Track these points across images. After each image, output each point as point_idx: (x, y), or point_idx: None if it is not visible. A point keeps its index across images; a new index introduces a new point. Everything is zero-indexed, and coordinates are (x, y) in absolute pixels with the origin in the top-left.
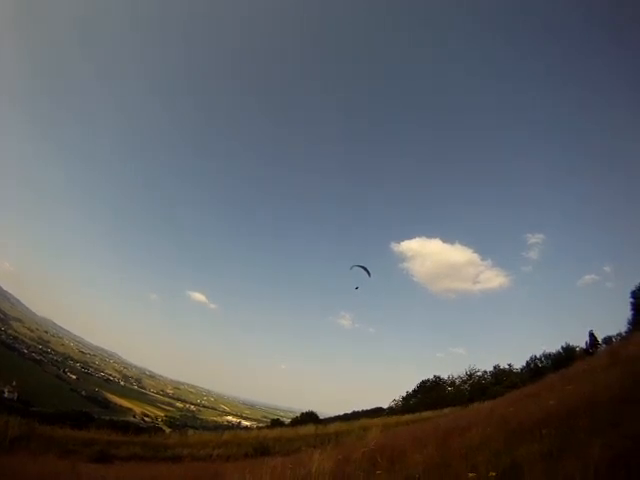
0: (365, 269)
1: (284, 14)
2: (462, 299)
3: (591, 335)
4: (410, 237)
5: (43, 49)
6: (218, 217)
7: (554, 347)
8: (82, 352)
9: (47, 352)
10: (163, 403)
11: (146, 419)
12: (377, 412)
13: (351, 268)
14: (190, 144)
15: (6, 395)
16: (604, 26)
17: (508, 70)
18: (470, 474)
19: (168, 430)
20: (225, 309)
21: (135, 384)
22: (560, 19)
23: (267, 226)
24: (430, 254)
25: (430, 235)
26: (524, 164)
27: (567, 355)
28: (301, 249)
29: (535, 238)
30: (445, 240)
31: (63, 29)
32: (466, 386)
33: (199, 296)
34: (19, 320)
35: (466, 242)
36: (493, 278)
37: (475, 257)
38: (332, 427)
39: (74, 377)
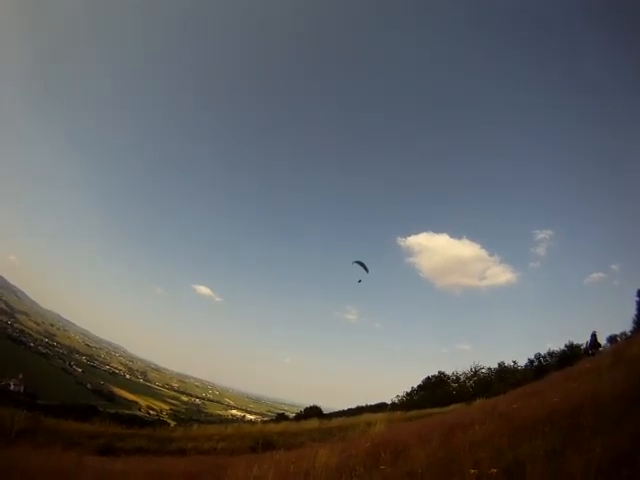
0: (363, 265)
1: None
2: (469, 295)
3: (593, 336)
4: (417, 232)
5: (49, 49)
6: (225, 212)
7: (560, 345)
8: (88, 345)
9: (53, 345)
10: (168, 396)
11: (151, 412)
12: (381, 407)
13: (353, 263)
14: (199, 141)
15: (12, 388)
16: (608, 26)
17: (515, 71)
18: (473, 470)
19: (173, 423)
20: (231, 303)
21: (140, 377)
22: (561, 19)
23: (274, 221)
24: (437, 249)
25: (437, 230)
26: (533, 161)
27: (572, 353)
28: (308, 244)
29: (543, 234)
30: (452, 235)
31: (69, 28)
32: (470, 382)
33: (205, 289)
34: (25, 313)
35: (474, 237)
36: (500, 274)
37: (483, 253)
38: (336, 422)
39: (80, 370)
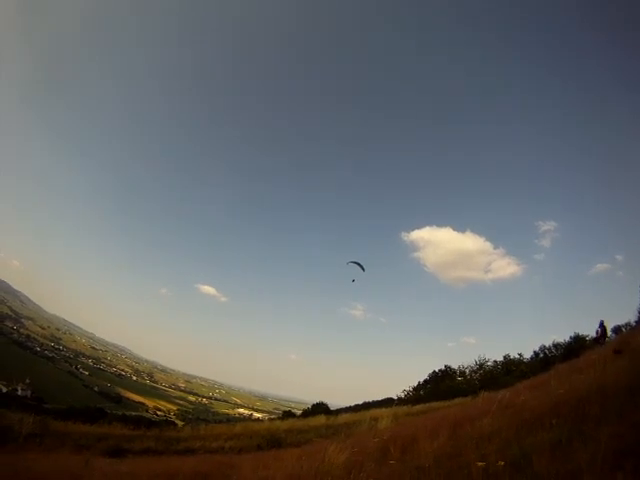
0: (359, 265)
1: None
2: (474, 288)
3: (601, 325)
4: (420, 226)
5: (48, 49)
6: (227, 210)
7: (565, 336)
8: (94, 348)
9: (59, 349)
10: (175, 397)
11: (159, 413)
12: (388, 402)
13: (347, 264)
14: (199, 141)
15: (20, 392)
16: (612, 22)
17: (517, 65)
18: (480, 463)
19: (181, 423)
20: (236, 302)
21: (147, 378)
22: (572, 13)
23: (277, 219)
24: (441, 243)
25: (440, 224)
26: (535, 153)
27: (577, 345)
28: (311, 240)
29: (547, 225)
30: (456, 228)
31: (68, 27)
32: (476, 376)
33: (209, 289)
34: (30, 318)
35: (478, 230)
36: (505, 267)
37: (487, 245)
38: (343, 418)
39: (86, 373)
